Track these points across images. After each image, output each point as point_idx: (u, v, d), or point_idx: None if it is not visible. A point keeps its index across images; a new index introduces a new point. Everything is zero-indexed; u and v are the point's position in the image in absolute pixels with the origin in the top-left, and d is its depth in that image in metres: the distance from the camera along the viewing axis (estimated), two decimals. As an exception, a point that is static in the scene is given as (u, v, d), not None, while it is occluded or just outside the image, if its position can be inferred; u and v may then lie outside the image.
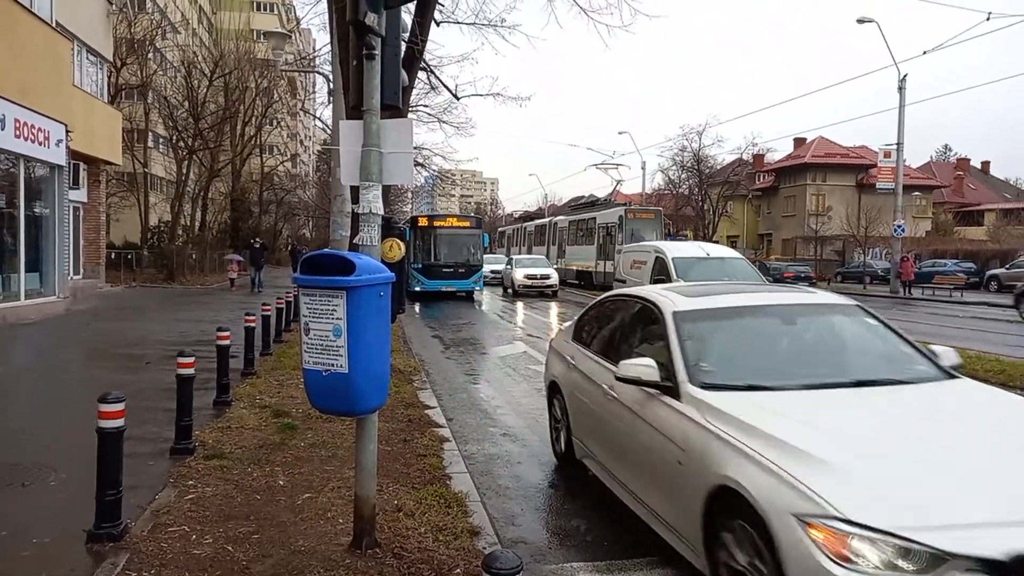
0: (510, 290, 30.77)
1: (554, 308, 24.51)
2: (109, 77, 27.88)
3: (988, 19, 23.87)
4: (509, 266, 31.96)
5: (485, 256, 30.67)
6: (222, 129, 40.55)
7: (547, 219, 47.77)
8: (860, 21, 31.01)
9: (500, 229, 66.58)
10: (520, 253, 43.84)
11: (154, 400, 7.96)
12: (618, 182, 44.73)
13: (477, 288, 28.33)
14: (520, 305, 26.00)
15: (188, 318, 17.39)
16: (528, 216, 61.86)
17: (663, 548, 4.37)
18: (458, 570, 4.08)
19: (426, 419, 7.79)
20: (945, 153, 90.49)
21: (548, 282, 29.87)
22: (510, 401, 9.44)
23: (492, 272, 34.80)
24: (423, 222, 28.76)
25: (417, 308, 23.83)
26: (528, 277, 29.80)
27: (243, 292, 26.35)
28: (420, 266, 27.27)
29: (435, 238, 27.94)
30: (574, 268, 37.01)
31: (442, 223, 29.01)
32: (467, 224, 29.70)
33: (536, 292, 29.86)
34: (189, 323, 16.17)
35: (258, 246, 29.09)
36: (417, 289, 26.94)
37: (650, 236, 30.06)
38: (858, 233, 44.02)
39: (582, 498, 5.66)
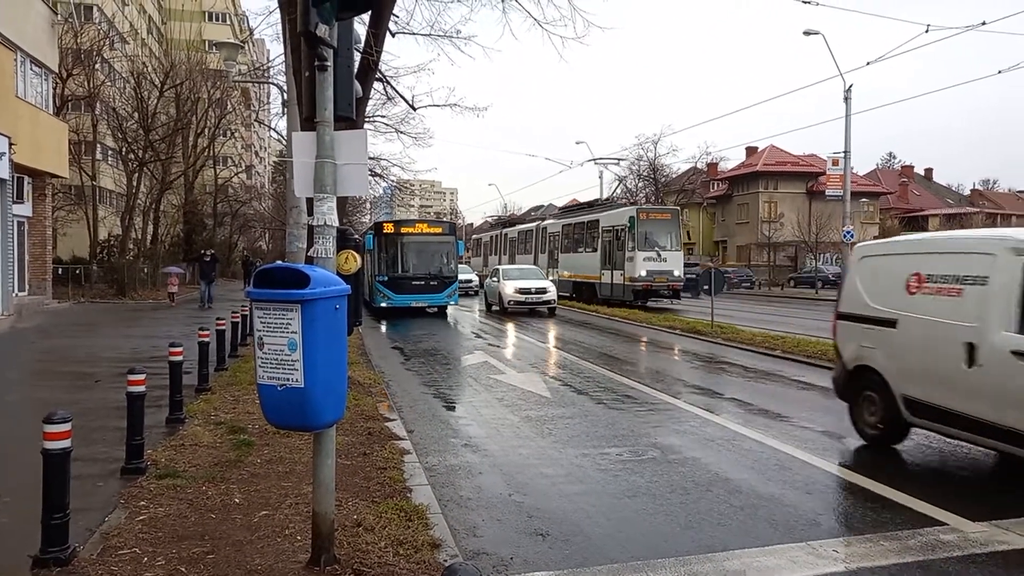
0: (495, 307, 26.35)
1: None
2: (55, 88, 27.17)
3: (927, 31, 24.65)
4: (495, 279, 26.88)
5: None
6: (174, 140, 39.73)
7: (534, 223, 42.62)
8: (807, 33, 31.65)
9: (475, 236, 61.48)
10: (501, 263, 39.62)
11: (104, 419, 7.74)
12: (621, 179, 43.85)
13: (452, 303, 25.48)
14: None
15: (140, 334, 16.97)
16: (508, 221, 53.89)
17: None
18: (419, 584, 4.05)
19: (386, 431, 7.72)
20: (890, 160, 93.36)
21: (545, 297, 25.20)
22: (471, 412, 9.41)
23: (463, 282, 31.52)
24: (389, 229, 25.53)
25: (383, 328, 21.31)
26: (521, 292, 24.97)
27: (192, 307, 25.71)
28: (386, 279, 24.35)
29: (403, 247, 25.01)
30: (570, 279, 32.42)
31: (411, 229, 25.85)
32: (439, 231, 26.69)
33: (528, 309, 25.26)
34: (141, 339, 15.78)
35: (208, 258, 27.38)
36: (383, 305, 24.29)
37: (665, 240, 27.30)
38: (809, 239, 45.08)
39: (545, 508, 5.66)
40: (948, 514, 5.38)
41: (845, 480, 6.45)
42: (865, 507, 5.66)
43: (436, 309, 25.37)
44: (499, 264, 38.37)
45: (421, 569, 4.23)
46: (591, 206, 35.24)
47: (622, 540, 4.97)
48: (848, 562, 4.59)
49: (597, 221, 30.42)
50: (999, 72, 30.90)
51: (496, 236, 48.71)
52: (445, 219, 28.85)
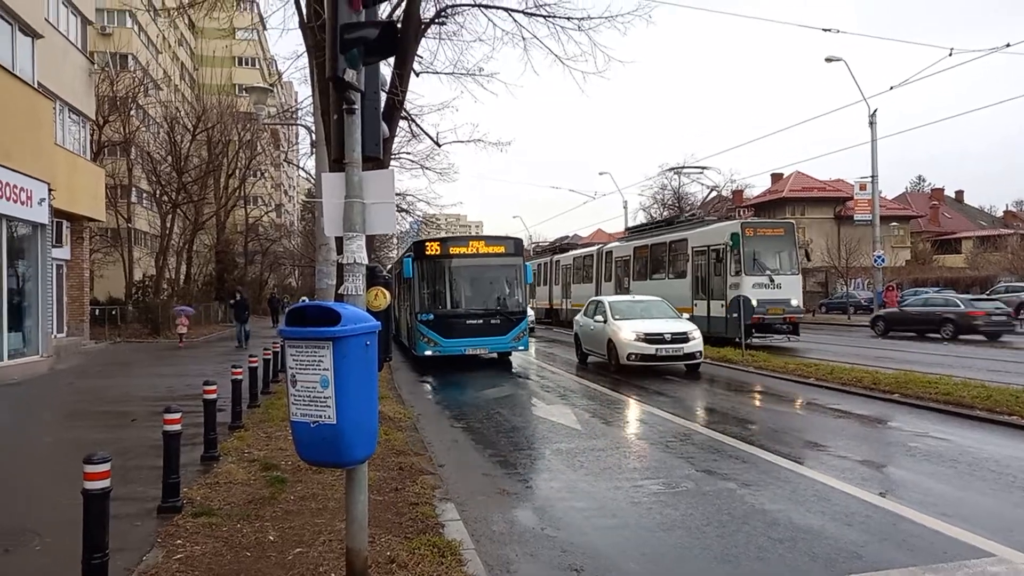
0: (596, 358, 18.51)
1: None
2: (92, 135, 28.05)
3: (951, 54, 24.54)
4: (596, 317, 18.14)
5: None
6: (205, 182, 40.76)
7: (594, 247, 36.50)
8: (828, 60, 31.78)
9: None
10: (552, 296, 36.35)
11: (140, 458, 7.85)
12: (714, 187, 41.63)
13: (520, 348, 18.86)
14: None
15: (174, 372, 17.23)
16: (559, 247, 44.81)
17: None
18: (453, 620, 4.03)
19: (416, 466, 7.73)
20: (919, 184, 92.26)
21: (687, 348, 16.17)
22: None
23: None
24: (434, 249, 19.07)
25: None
26: (648, 339, 16.12)
27: (225, 345, 26.04)
28: (431, 317, 18.13)
29: (453, 273, 19.00)
30: None
31: (463, 249, 19.17)
32: (501, 249, 19.46)
33: (662, 365, 16.46)
34: (175, 378, 16.02)
35: (239, 299, 26.92)
36: (428, 353, 17.96)
37: (778, 261, 22.45)
38: (839, 264, 44.55)
39: (580, 543, 5.60)
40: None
41: None
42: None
43: (497, 356, 19.61)
44: (553, 296, 34.36)
45: (455, 606, 4.20)
46: (669, 224, 30.41)
47: None
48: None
49: (685, 240, 25.40)
50: (1027, 92, 30.39)
51: (545, 264, 42.08)
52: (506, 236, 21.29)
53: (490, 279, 19.18)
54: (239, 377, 10.04)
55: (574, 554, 5.31)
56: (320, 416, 3.93)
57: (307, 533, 5.54)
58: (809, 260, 27.96)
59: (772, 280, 21.89)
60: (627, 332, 16.37)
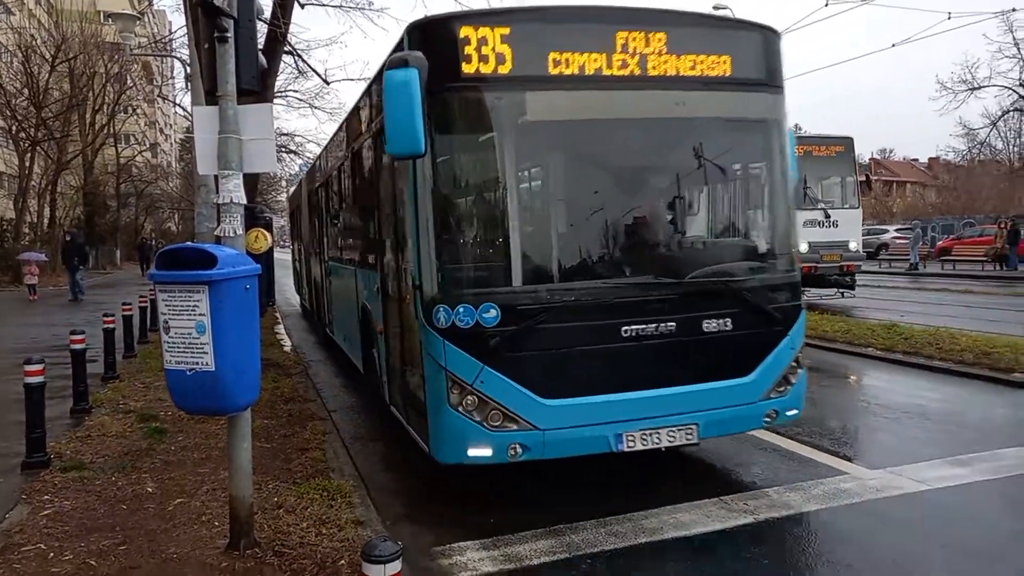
0: None
1: None
2: (-69, 61, 25.12)
3: (827, 5, 25.43)
4: None
5: None
6: (69, 118, 37.43)
7: None
8: (716, 8, 32.36)
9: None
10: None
11: (2, 413, 7.33)
12: None
13: (791, 415, 5.33)
14: None
15: (39, 322, 16.07)
16: None
17: (552, 520, 4.55)
18: (342, 561, 4.04)
19: (307, 412, 7.61)
20: (796, 130, 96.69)
21: None
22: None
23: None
24: (493, 64, 4.48)
25: None
26: None
27: (97, 295, 24.21)
28: (490, 315, 4.48)
29: (576, 152, 5.16)
30: None
31: (598, 61, 4.67)
32: (723, 65, 4.96)
33: None
34: (40, 327, 14.95)
35: (68, 241, 22.70)
36: (479, 452, 4.59)
37: (835, 190, 16.88)
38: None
39: (472, 480, 5.70)
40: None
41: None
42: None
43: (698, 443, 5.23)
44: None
45: (345, 547, 4.21)
46: None
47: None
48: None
49: None
50: (893, 45, 32.25)
51: None
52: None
53: (683, 173, 5.25)
54: (111, 326, 9.49)
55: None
56: (197, 363, 3.77)
57: (189, 483, 5.37)
58: (871, 191, 21.75)
59: (828, 216, 16.04)
60: None
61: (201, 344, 3.75)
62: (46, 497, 5.07)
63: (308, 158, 37.51)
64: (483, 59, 4.44)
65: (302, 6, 12.34)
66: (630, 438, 4.68)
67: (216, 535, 4.41)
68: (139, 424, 6.98)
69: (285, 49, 13.02)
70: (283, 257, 33.07)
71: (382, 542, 2.64)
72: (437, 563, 4.31)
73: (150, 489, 5.26)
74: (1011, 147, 45.80)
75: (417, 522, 4.94)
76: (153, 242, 44.83)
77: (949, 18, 18.50)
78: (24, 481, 5.42)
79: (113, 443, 6.38)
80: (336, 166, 9.11)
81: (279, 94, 21.52)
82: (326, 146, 11.19)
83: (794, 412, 5.26)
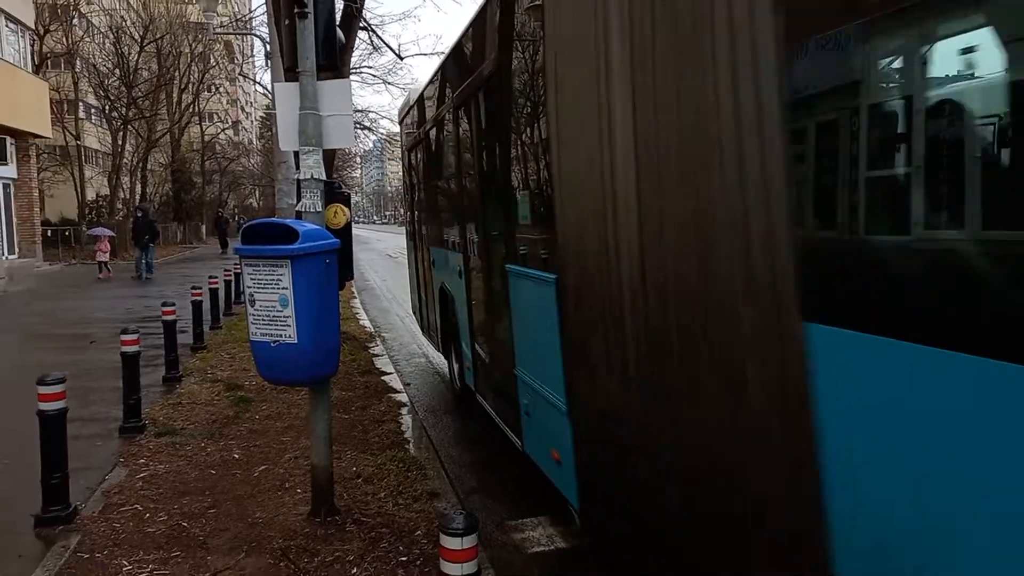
0: None
1: None
2: (32, 45, 26.49)
3: None
4: None
5: None
6: (157, 97, 39.02)
7: None
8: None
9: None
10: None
11: (101, 380, 7.75)
12: None
13: None
14: None
15: (133, 295, 16.91)
16: None
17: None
18: (419, 531, 4.12)
19: (383, 385, 7.77)
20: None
21: None
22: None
23: None
24: None
25: None
26: None
27: (186, 268, 25.44)
28: None
29: None
30: None
31: None
32: None
33: None
34: (134, 299, 15.73)
35: (139, 217, 21.34)
36: None
37: None
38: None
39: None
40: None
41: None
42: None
43: None
44: None
45: (421, 517, 4.29)
46: None
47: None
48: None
49: None
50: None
51: None
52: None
53: None
54: (199, 298, 9.91)
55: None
56: (280, 335, 3.88)
57: (272, 451, 5.56)
58: None
59: None
60: None
61: (284, 317, 3.85)
62: (142, 461, 5.34)
63: (382, 135, 37.99)
64: None
65: (377, -18, 12.43)
66: None
67: (298, 502, 4.56)
68: (226, 393, 7.27)
69: (360, 24, 13.16)
70: (360, 233, 33.74)
71: (460, 515, 2.66)
72: (510, 536, 4.34)
73: (237, 455, 5.47)
74: None
75: (490, 495, 5.00)
76: (230, 217, 46.30)
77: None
78: (121, 445, 5.72)
79: (202, 411, 6.67)
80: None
81: (353, 70, 21.79)
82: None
83: None
